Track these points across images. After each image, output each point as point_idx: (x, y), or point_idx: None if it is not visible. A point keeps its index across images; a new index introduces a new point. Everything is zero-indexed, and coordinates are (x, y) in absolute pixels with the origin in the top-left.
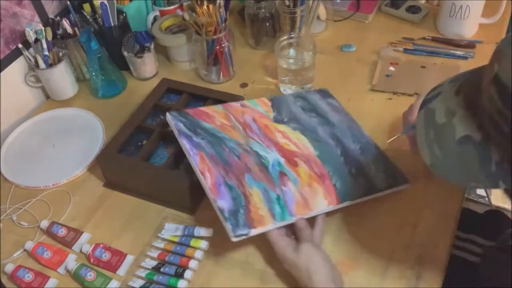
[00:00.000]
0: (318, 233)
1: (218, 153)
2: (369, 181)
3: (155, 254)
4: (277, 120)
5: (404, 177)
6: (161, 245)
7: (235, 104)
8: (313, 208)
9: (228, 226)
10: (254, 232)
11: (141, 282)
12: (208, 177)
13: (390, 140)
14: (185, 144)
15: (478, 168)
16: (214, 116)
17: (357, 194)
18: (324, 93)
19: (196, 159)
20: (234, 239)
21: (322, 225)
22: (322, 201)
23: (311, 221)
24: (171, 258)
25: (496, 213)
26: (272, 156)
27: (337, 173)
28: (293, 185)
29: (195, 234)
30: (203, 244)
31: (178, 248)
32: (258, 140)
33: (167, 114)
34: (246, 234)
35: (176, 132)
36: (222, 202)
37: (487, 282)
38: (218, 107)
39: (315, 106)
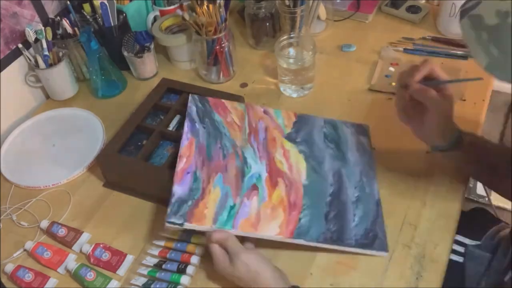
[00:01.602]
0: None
1: (208, 145)
2: (341, 232)
3: (156, 251)
4: (289, 138)
5: (385, 245)
6: (162, 242)
7: (258, 108)
8: (260, 230)
9: (167, 210)
10: (187, 225)
11: (143, 280)
12: (183, 162)
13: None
14: (185, 126)
15: None
16: (230, 111)
17: (318, 237)
18: (361, 129)
19: (185, 143)
20: (166, 224)
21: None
22: (274, 228)
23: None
24: (172, 255)
25: (481, 211)
26: (257, 167)
27: (311, 209)
28: (256, 201)
29: (196, 229)
30: (204, 240)
31: (178, 245)
32: (255, 148)
33: (190, 95)
34: (179, 224)
35: (187, 113)
36: (178, 188)
37: (472, 282)
38: (240, 105)
39: (340, 139)
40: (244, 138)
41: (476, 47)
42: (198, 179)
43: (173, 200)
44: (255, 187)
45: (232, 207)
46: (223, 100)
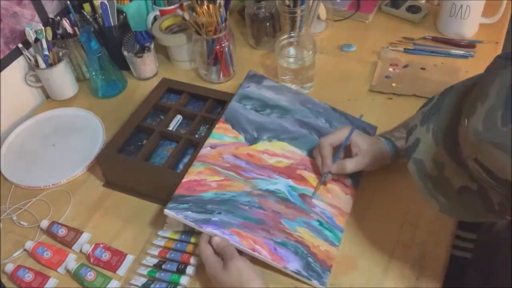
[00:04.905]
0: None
1: (243, 217)
2: None
3: (156, 252)
4: (250, 141)
5: (371, 126)
6: (162, 243)
7: (207, 151)
8: (346, 209)
9: (315, 283)
10: (329, 273)
11: (143, 280)
12: (260, 249)
13: (315, 191)
14: (212, 231)
15: (483, 209)
16: (204, 179)
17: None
18: (256, 78)
19: (235, 239)
20: None
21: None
22: (345, 197)
23: None
24: (172, 255)
25: None
26: (281, 183)
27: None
28: (318, 201)
29: (196, 230)
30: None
31: (178, 245)
32: (257, 176)
33: (166, 211)
34: (329, 275)
35: (192, 224)
36: (292, 265)
37: (481, 275)
38: (198, 166)
39: (262, 99)
40: (241, 180)
41: (426, 194)
42: (284, 241)
43: (305, 273)
44: (303, 195)
45: (321, 223)
46: (183, 181)
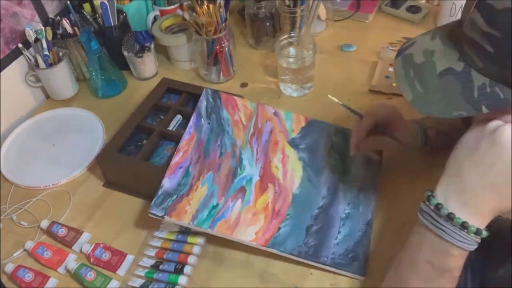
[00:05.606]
0: None
1: (208, 141)
2: (319, 248)
3: (152, 252)
4: (292, 143)
5: (362, 269)
6: (158, 243)
7: (269, 109)
8: (235, 234)
9: (152, 202)
10: (167, 219)
11: (141, 281)
12: (179, 156)
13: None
14: (191, 120)
15: (460, 96)
16: (239, 109)
17: (292, 250)
18: None
19: (186, 137)
20: (149, 214)
21: None
22: (250, 234)
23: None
24: (169, 255)
25: None
26: (251, 170)
27: (294, 220)
28: (240, 204)
29: (192, 229)
30: (200, 239)
31: (175, 245)
32: (254, 150)
33: (205, 89)
34: (160, 217)
35: (197, 107)
36: (167, 181)
37: (481, 274)
38: (251, 104)
39: (348, 150)
40: (246, 138)
41: (404, 83)
42: (189, 174)
43: (159, 192)
44: (242, 189)
45: (214, 207)
46: (235, 97)
